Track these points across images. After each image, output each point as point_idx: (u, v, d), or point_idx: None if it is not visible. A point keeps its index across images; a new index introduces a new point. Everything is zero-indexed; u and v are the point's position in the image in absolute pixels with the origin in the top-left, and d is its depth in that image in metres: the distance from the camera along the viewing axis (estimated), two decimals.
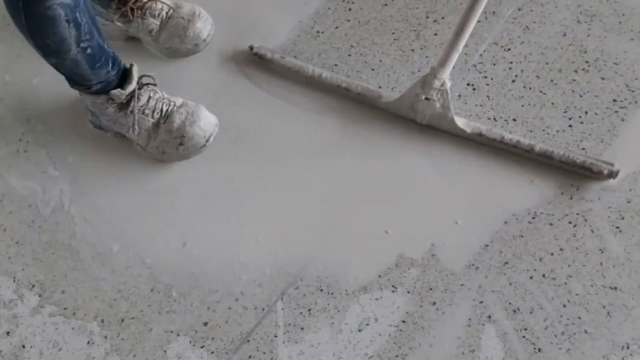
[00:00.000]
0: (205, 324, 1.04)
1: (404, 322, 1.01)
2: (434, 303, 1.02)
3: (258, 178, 1.16)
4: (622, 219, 1.06)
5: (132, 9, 1.24)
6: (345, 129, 1.20)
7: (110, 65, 1.08)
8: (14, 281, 1.09)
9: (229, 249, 1.10)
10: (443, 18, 1.30)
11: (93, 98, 1.12)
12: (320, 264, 1.07)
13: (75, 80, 1.09)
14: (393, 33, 1.30)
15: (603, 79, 1.20)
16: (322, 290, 1.05)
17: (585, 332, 0.98)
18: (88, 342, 1.03)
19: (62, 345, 1.03)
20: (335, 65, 1.27)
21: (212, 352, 1.01)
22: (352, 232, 1.10)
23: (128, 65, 1.13)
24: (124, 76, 1.12)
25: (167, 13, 1.26)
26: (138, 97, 1.13)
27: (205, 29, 1.28)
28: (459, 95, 1.21)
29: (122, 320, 1.05)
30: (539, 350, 0.97)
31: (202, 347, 1.02)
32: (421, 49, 1.27)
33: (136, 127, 1.14)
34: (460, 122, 1.12)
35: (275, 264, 1.08)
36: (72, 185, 1.17)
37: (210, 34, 1.29)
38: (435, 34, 1.28)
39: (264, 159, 1.18)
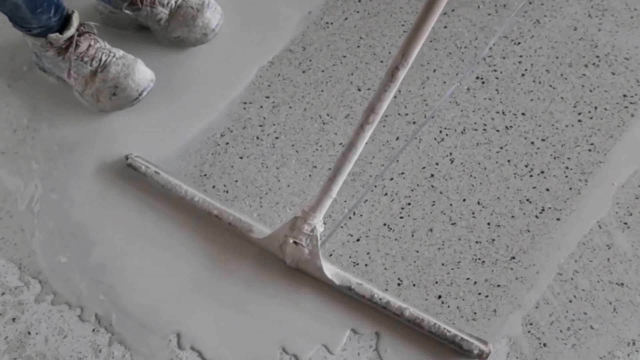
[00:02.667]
0: None
1: None
2: (440, 297, 1.02)
3: None
4: (631, 215, 1.06)
5: None
6: (215, 264, 1.07)
7: (52, 11, 1.11)
8: (20, 268, 1.09)
9: None
10: (453, 10, 1.29)
11: (33, 40, 1.17)
12: None
13: (16, 21, 1.13)
14: (402, 25, 1.29)
15: (613, 74, 1.20)
16: None
17: (591, 327, 0.98)
18: (93, 330, 1.03)
19: (67, 333, 1.03)
20: (344, 56, 1.26)
21: None
22: None
23: (70, 12, 1.16)
24: (65, 22, 1.16)
25: (176, 2, 1.25)
26: (77, 44, 1.17)
27: (215, 18, 1.27)
28: (468, 89, 1.20)
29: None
30: (544, 345, 0.97)
31: None
32: (430, 41, 1.26)
33: (73, 72, 1.18)
34: (329, 271, 1.01)
35: None
36: (72, 176, 1.17)
37: (219, 24, 1.29)
38: (445, 27, 1.27)
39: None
